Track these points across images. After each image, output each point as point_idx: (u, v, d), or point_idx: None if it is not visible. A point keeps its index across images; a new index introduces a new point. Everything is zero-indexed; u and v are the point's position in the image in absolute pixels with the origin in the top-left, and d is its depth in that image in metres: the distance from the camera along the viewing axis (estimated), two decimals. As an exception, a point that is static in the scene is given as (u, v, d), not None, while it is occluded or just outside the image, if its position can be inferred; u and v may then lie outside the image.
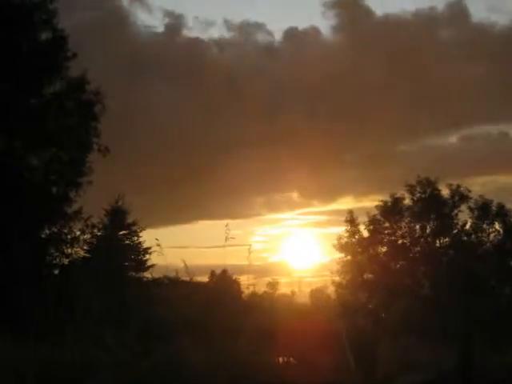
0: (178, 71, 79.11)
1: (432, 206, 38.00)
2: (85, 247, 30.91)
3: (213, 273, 45.99)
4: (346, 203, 68.70)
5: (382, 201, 39.14)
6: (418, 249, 38.33)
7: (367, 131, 76.45)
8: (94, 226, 31.50)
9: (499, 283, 37.51)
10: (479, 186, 54.56)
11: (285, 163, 74.19)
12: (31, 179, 28.32)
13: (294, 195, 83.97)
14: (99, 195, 32.28)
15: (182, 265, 14.69)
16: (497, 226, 38.34)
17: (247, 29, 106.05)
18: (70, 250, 29.14)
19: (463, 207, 38.78)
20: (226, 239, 13.65)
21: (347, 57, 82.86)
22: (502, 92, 72.80)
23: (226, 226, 13.74)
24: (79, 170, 28.68)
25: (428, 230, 38.35)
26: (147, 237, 34.28)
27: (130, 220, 34.45)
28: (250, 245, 13.92)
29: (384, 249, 39.03)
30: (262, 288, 29.36)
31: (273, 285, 37.63)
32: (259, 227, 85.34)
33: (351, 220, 39.83)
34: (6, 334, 14.61)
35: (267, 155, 76.88)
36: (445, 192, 38.56)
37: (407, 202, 38.95)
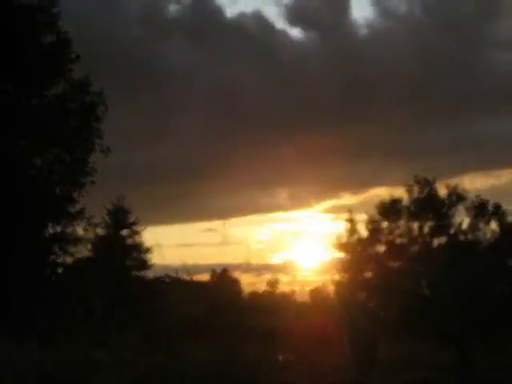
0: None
1: (429, 205, 38.22)
2: (88, 246, 31.28)
3: (214, 272, 46.34)
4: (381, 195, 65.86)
5: (380, 201, 39.40)
6: (416, 248, 38.54)
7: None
8: (96, 226, 31.89)
9: (497, 283, 37.73)
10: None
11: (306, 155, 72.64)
12: (35, 179, 28.67)
13: (318, 188, 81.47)
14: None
15: (189, 264, 14.99)
16: (493, 225, 38.58)
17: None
18: (73, 250, 29.50)
19: (460, 207, 39.00)
20: (224, 238, 13.88)
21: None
22: None
23: (224, 224, 14.01)
24: (82, 171, 29.05)
25: (425, 230, 38.58)
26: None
27: (131, 219, 34.78)
28: (249, 244, 14.17)
29: (382, 248, 39.25)
30: (262, 286, 29.69)
31: (273, 283, 38.00)
32: (276, 224, 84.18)
33: (350, 219, 40.05)
34: (9, 332, 14.93)
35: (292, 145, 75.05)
36: (442, 192, 38.78)
37: (405, 202, 39.18)
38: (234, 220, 71.53)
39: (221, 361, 12.03)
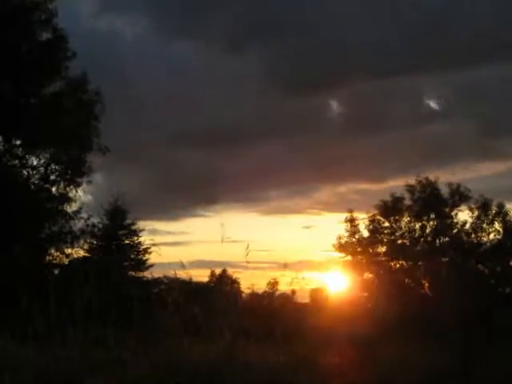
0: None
1: (432, 205, 37.99)
2: (85, 247, 30.95)
3: (212, 272, 46.02)
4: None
5: (381, 200, 39.14)
6: (418, 248, 38.30)
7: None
8: (94, 226, 31.55)
9: (499, 283, 37.50)
10: None
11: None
12: (31, 179, 28.40)
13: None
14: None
15: (188, 262, 14.62)
16: (497, 225, 38.33)
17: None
18: (70, 250, 29.20)
19: (463, 207, 38.79)
20: (222, 239, 13.49)
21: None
22: None
23: (222, 226, 13.62)
24: (79, 170, 28.75)
25: (428, 230, 38.35)
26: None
27: (129, 220, 34.46)
28: (248, 244, 13.82)
29: (384, 248, 39.00)
30: (262, 287, 29.33)
31: (273, 284, 37.64)
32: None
33: (351, 219, 39.80)
34: (5, 333, 14.62)
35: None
36: (444, 191, 38.58)
37: (407, 201, 38.94)
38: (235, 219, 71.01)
39: (219, 362, 11.64)
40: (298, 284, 14.37)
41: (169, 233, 62.18)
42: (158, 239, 64.53)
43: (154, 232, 43.06)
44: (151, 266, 33.08)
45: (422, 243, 38.29)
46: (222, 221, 14.19)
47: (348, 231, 39.59)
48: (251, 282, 17.80)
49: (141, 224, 34.37)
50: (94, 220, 31.35)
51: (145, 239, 33.68)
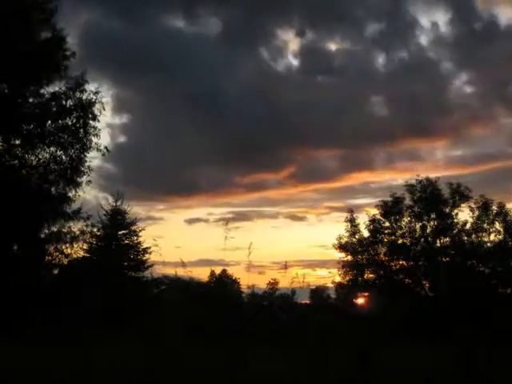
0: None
1: (432, 205, 37.94)
2: (84, 247, 30.85)
3: (212, 272, 45.99)
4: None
5: (381, 200, 39.08)
6: (419, 248, 38.27)
7: None
8: (93, 226, 31.46)
9: (500, 283, 37.48)
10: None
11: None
12: (30, 179, 28.27)
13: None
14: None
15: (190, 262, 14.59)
16: (497, 225, 38.28)
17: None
18: (69, 250, 29.08)
19: (463, 207, 38.75)
20: (226, 239, 13.51)
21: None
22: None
23: (226, 224, 13.60)
24: (78, 170, 28.62)
25: (428, 230, 38.29)
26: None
27: (129, 220, 34.40)
28: (251, 243, 13.78)
29: (384, 249, 38.95)
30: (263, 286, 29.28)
31: (273, 284, 37.57)
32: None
33: (351, 219, 39.73)
34: (5, 333, 14.60)
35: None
36: (445, 191, 38.53)
37: (407, 201, 38.89)
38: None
39: (221, 363, 11.62)
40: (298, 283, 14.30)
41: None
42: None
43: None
44: (151, 265, 33.05)
45: (422, 243, 38.24)
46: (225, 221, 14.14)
47: (348, 231, 39.56)
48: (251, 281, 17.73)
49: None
50: (94, 220, 31.26)
51: (144, 239, 33.64)
